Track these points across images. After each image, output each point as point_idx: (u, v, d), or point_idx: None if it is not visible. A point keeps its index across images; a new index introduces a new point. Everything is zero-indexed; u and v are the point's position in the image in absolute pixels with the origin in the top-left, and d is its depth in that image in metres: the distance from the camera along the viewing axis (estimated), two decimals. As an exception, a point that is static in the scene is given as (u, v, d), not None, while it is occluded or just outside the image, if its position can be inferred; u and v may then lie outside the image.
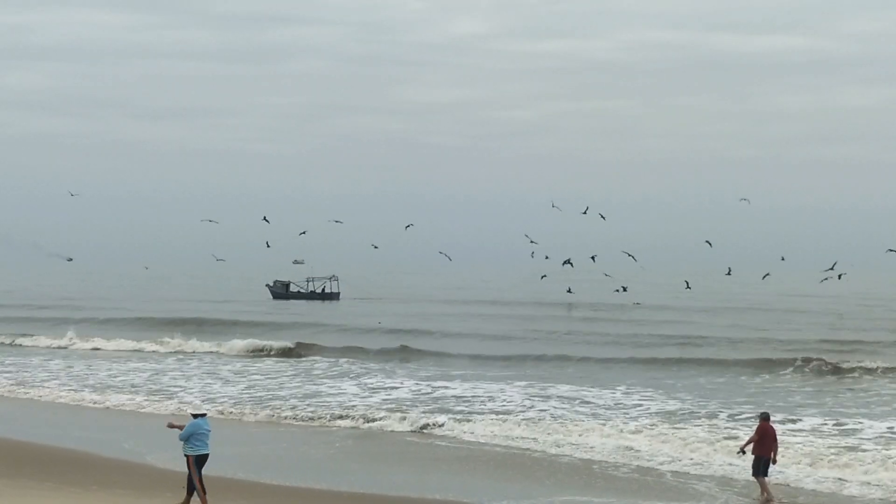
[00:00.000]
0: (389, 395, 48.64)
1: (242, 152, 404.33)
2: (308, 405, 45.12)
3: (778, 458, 30.17)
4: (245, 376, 56.29)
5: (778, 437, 30.36)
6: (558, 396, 47.58)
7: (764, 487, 29.57)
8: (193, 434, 24.88)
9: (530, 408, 44.45)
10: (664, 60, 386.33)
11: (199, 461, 24.94)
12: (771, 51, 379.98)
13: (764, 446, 29.69)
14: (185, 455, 25.02)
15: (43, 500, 25.82)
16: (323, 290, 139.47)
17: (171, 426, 25.95)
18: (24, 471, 28.17)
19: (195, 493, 24.99)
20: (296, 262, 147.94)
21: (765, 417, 30.33)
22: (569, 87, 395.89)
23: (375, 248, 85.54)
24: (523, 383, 51.92)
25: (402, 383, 52.68)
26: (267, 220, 71.17)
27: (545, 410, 43.66)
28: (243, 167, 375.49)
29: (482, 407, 44.92)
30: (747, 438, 30.76)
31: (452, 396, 47.87)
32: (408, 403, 45.57)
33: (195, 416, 25.18)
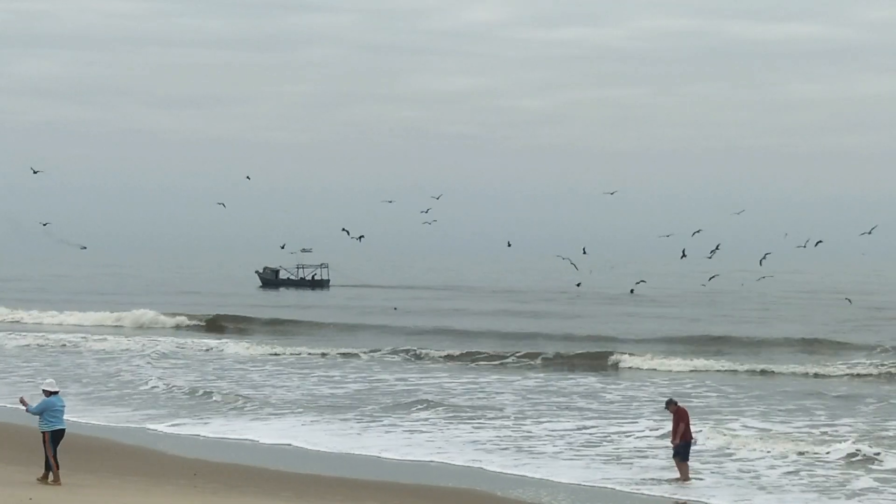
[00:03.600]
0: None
1: (254, 141, 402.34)
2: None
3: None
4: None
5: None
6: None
7: (686, 471, 29.70)
8: (47, 410, 25.81)
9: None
10: (678, 48, 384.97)
11: (54, 437, 25.80)
12: (786, 38, 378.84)
13: (689, 430, 29.83)
14: (42, 431, 25.88)
15: (56, 486, 25.92)
16: (313, 277, 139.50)
17: (22, 402, 26.68)
18: (37, 458, 28.16)
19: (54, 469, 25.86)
20: (304, 250, 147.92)
21: (675, 402, 30.47)
22: (583, 76, 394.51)
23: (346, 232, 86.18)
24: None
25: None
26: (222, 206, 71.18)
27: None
28: (255, 155, 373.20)
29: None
30: (677, 430, 29.88)
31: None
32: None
33: (49, 392, 25.97)
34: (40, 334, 71.45)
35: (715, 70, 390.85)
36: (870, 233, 61.47)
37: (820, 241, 70.34)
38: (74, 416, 36.44)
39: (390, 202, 71.62)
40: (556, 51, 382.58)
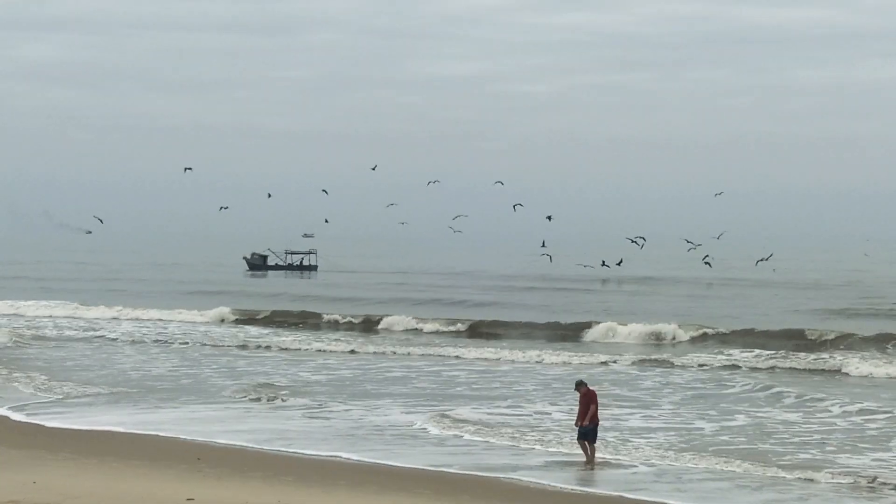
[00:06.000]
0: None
1: (256, 126, 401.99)
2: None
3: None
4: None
5: None
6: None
7: (593, 453, 29.86)
8: None
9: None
10: (681, 34, 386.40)
11: None
12: (789, 24, 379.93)
13: (595, 413, 29.97)
14: None
15: (59, 470, 26.02)
16: (301, 262, 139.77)
17: None
18: (39, 441, 28.40)
19: None
20: (305, 235, 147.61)
21: (585, 383, 30.55)
22: (586, 61, 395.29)
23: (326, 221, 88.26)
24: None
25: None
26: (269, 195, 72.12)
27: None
28: (256, 141, 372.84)
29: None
30: (582, 412, 30.00)
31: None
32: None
33: None
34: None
35: (718, 55, 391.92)
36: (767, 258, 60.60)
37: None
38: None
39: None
40: (559, 35, 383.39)
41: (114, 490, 23.75)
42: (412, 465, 29.20)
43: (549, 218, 70.73)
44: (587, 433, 30.01)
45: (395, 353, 56.81)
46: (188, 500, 22.70)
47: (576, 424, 30.44)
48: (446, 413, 36.45)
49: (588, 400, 30.09)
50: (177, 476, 26.26)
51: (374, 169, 71.99)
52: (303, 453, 30.56)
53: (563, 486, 27.30)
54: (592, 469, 29.45)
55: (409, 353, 56.58)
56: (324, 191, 73.36)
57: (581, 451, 30.19)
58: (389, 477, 27.56)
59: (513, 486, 27.01)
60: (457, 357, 54.61)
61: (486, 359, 53.90)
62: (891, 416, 37.01)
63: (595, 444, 30.11)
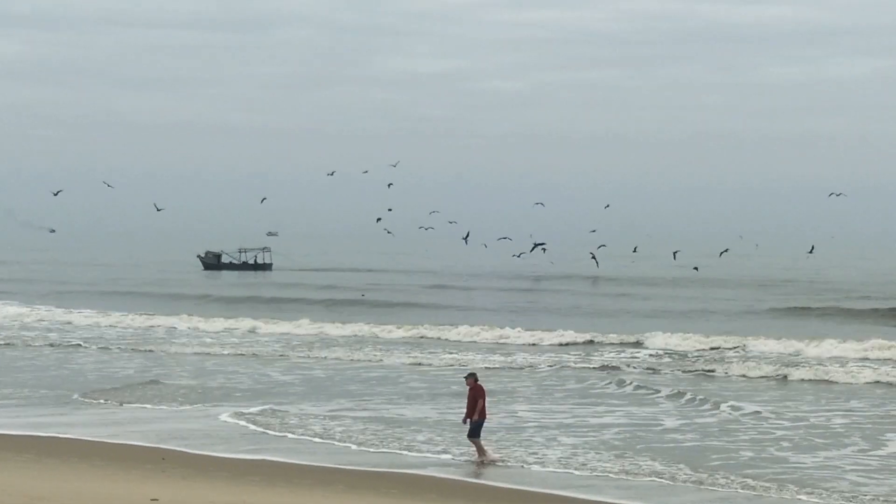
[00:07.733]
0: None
1: (225, 123, 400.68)
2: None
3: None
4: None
5: None
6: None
7: (482, 449, 29.64)
8: None
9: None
10: (653, 30, 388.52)
11: None
12: (760, 21, 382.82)
13: (483, 408, 29.73)
14: None
15: (22, 471, 25.80)
16: (255, 260, 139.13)
17: None
18: (2, 443, 28.09)
19: None
20: (269, 233, 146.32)
21: (475, 376, 30.23)
22: (558, 58, 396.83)
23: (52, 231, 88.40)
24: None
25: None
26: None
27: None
28: (226, 137, 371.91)
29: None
30: (470, 406, 29.72)
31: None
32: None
33: None
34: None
35: (690, 52, 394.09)
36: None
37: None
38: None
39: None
40: (530, 32, 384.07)
41: (77, 490, 23.53)
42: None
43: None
44: (475, 429, 29.61)
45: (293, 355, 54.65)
46: (152, 500, 22.48)
47: (464, 421, 30.01)
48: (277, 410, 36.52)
49: (476, 394, 29.69)
50: (141, 476, 26.09)
51: (394, 165, 71.13)
52: (266, 457, 30.43)
53: (532, 488, 27.11)
54: (488, 465, 28.98)
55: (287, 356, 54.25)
56: (389, 185, 72.53)
57: (474, 449, 29.74)
58: (356, 476, 27.48)
59: (476, 486, 26.95)
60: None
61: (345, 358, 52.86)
62: (849, 418, 37.10)
63: (479, 440, 29.66)
